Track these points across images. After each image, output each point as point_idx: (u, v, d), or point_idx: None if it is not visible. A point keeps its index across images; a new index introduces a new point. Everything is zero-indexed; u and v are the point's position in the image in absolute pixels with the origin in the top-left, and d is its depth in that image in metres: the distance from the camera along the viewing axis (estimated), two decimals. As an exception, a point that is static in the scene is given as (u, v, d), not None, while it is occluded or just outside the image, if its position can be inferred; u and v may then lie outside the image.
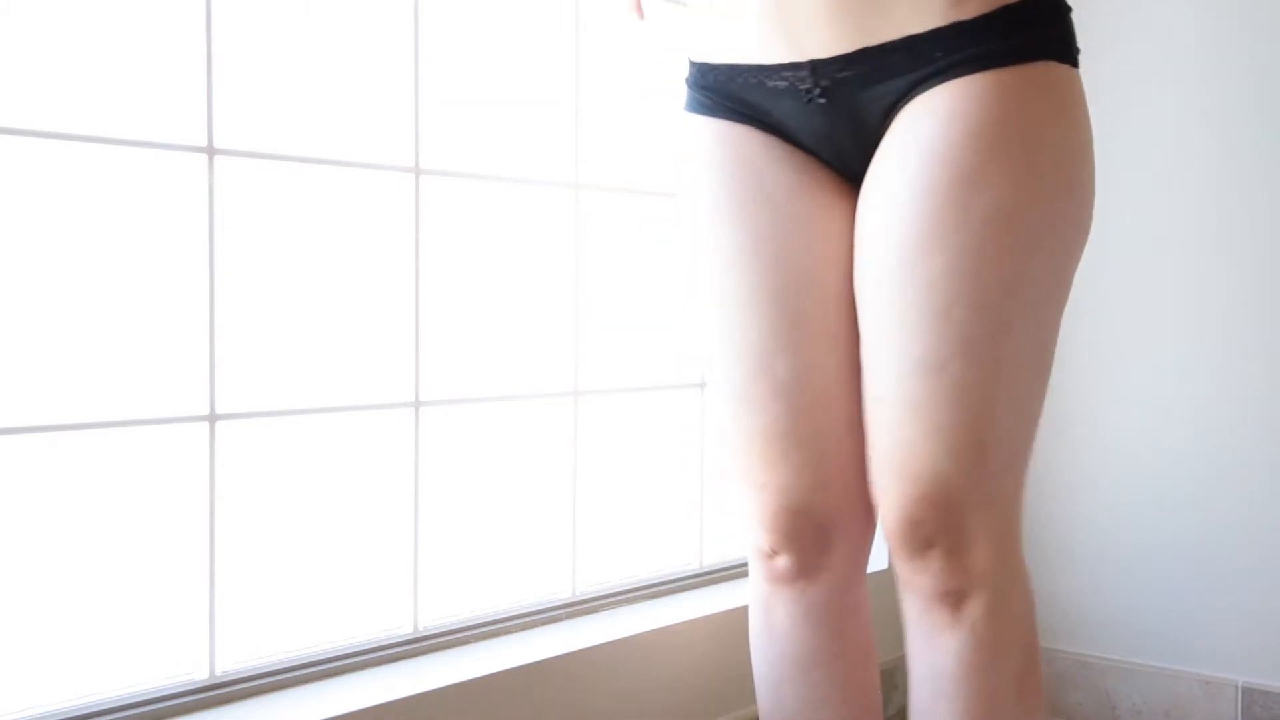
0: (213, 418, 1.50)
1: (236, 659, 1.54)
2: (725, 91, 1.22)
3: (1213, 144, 2.21)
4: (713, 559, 2.21)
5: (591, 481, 1.99)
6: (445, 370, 1.77)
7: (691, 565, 2.17)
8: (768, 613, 1.33)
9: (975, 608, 1.13)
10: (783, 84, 1.17)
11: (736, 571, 2.23)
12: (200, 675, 1.50)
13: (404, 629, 1.72)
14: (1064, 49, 1.13)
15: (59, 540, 1.40)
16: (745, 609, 2.04)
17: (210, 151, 1.49)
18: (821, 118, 1.17)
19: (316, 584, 1.64)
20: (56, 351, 1.38)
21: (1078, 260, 1.16)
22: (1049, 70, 1.11)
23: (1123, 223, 2.31)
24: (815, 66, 1.14)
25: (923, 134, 1.09)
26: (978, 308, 1.07)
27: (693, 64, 1.27)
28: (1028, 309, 1.10)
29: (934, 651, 1.16)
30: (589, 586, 1.98)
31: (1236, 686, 2.19)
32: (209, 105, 1.48)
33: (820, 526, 1.25)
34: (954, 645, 1.14)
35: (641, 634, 1.86)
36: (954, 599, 1.14)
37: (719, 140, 1.24)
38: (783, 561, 1.28)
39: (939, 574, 1.13)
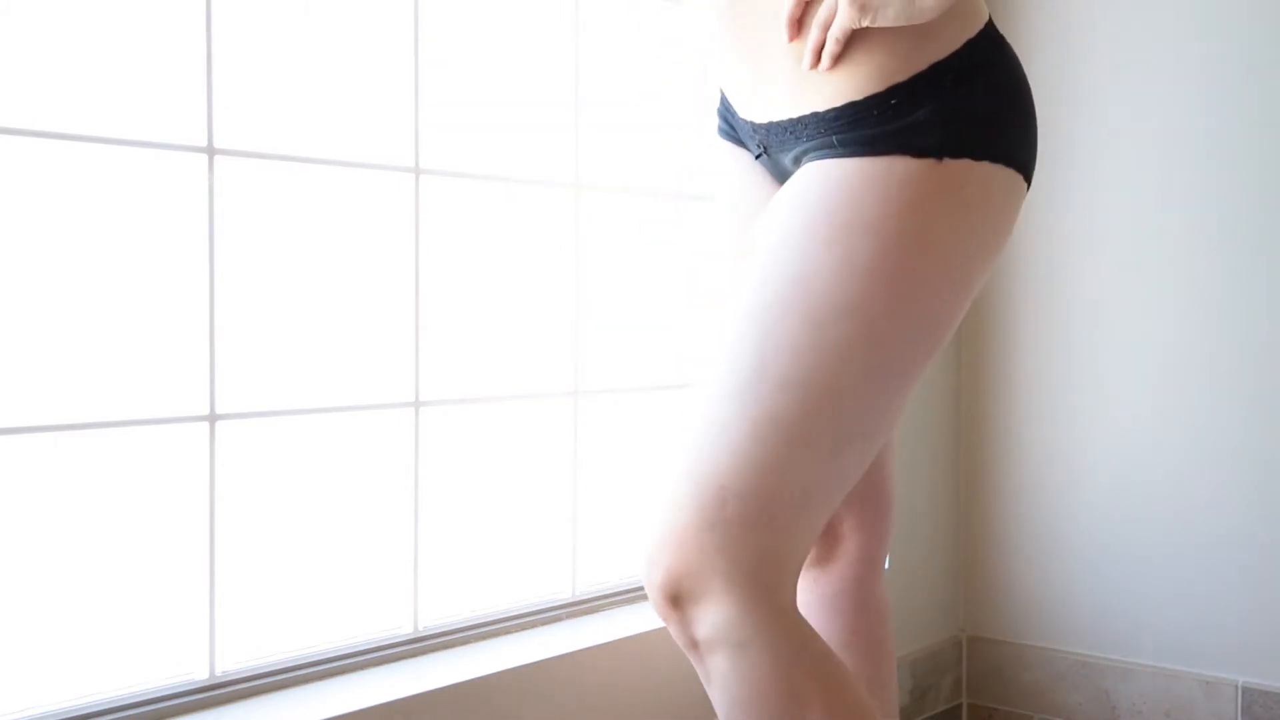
0: (213, 418, 1.50)
1: (236, 659, 1.54)
2: (730, 122, 1.35)
3: (1209, 144, 2.21)
4: (713, 559, 2.20)
5: (592, 481, 1.99)
6: (445, 370, 1.77)
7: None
8: None
9: (720, 662, 1.09)
10: (749, 131, 1.30)
11: (736, 571, 2.22)
12: (200, 675, 1.50)
13: (404, 629, 1.72)
14: (919, 144, 1.13)
15: (59, 540, 1.40)
16: (745, 609, 2.04)
17: (210, 151, 1.49)
18: (768, 167, 1.31)
19: (316, 584, 1.64)
20: (56, 351, 1.38)
21: (909, 352, 1.14)
22: (895, 164, 1.13)
23: (1119, 222, 2.31)
24: (753, 127, 1.28)
25: (777, 197, 1.20)
26: (760, 360, 1.09)
27: (719, 92, 1.39)
28: (821, 381, 1.09)
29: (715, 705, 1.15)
30: (589, 586, 1.98)
31: (1236, 686, 2.19)
32: (209, 105, 1.48)
33: (832, 518, 1.28)
34: (716, 702, 1.12)
35: (641, 634, 1.86)
36: (698, 651, 1.11)
37: (729, 162, 1.38)
38: None
39: (677, 623, 1.11)
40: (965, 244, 1.15)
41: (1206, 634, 2.23)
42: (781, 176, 1.29)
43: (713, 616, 1.07)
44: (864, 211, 1.12)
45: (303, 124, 1.60)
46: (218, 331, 1.50)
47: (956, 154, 1.14)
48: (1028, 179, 1.21)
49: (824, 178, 1.15)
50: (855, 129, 1.14)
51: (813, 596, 1.35)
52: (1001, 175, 1.16)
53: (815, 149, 1.18)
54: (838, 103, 1.15)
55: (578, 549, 1.96)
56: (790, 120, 1.21)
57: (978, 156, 1.15)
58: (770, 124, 1.24)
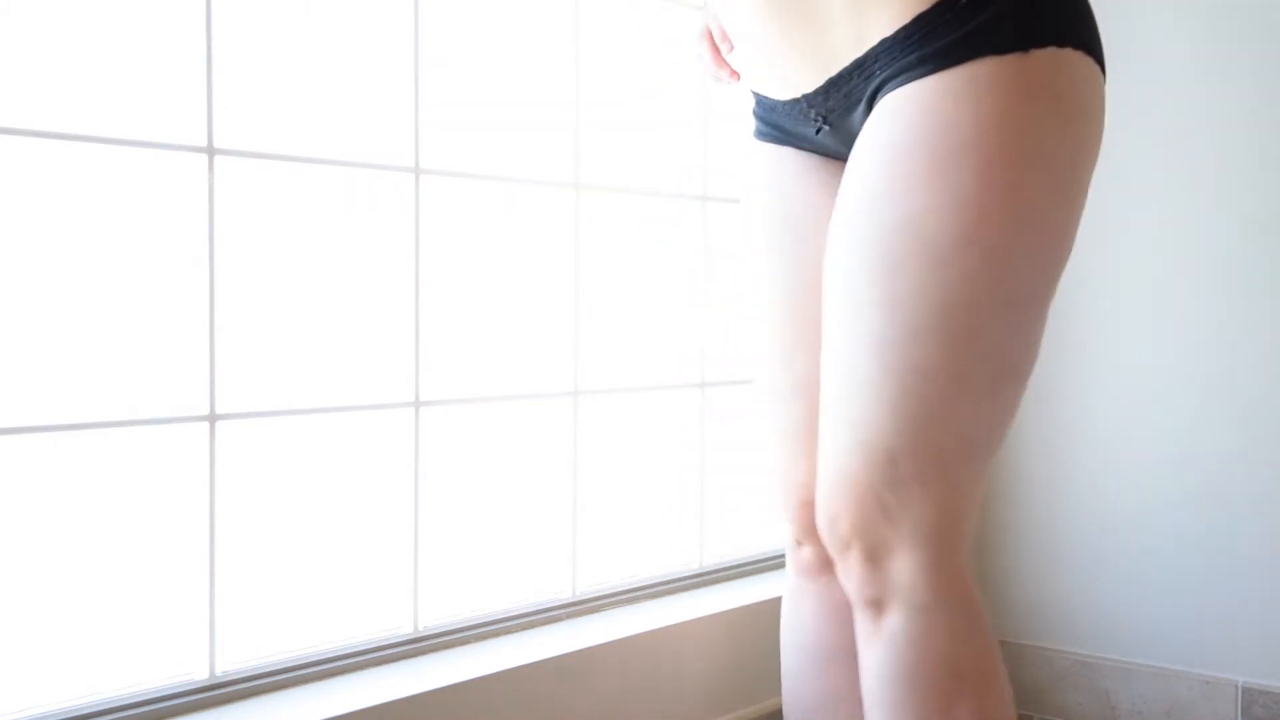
0: (213, 418, 1.50)
1: (236, 659, 1.54)
2: (769, 119, 1.31)
3: (1212, 143, 2.21)
4: (713, 559, 2.21)
5: (591, 481, 1.99)
6: (445, 370, 1.77)
7: (692, 565, 2.17)
8: (795, 604, 1.35)
9: (893, 622, 1.09)
10: (799, 114, 1.25)
11: (736, 571, 2.23)
12: (200, 675, 1.50)
13: (404, 629, 1.72)
14: (1004, 38, 1.06)
15: (59, 540, 1.40)
16: (745, 609, 2.04)
17: (210, 151, 1.49)
18: (833, 139, 1.24)
19: (316, 584, 1.64)
20: (56, 351, 1.38)
21: (1040, 274, 1.10)
22: (982, 68, 1.06)
23: (1123, 222, 2.31)
24: (808, 100, 1.22)
25: (856, 151, 1.14)
26: (891, 312, 1.06)
27: (753, 94, 1.36)
28: (959, 320, 1.05)
29: (863, 664, 1.14)
30: (589, 586, 1.98)
31: (1236, 686, 2.19)
32: (209, 105, 1.48)
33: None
34: (873, 660, 1.12)
35: (641, 634, 1.86)
36: (873, 608, 1.11)
37: (765, 164, 1.34)
38: (807, 552, 1.31)
39: (858, 578, 1.11)
40: (1067, 143, 1.08)
41: (1206, 634, 2.23)
42: (848, 143, 1.22)
43: (896, 576, 1.08)
44: (958, 131, 1.05)
45: (303, 124, 1.60)
46: (218, 331, 1.50)
47: (1041, 42, 1.06)
48: (1103, 70, 1.13)
49: (905, 106, 1.08)
50: (930, 41, 1.07)
51: (825, 604, 1.31)
52: (1083, 63, 1.09)
53: (891, 78, 1.10)
54: (906, 19, 1.08)
55: (578, 549, 1.96)
56: (858, 60, 1.13)
57: (1060, 43, 1.07)
58: (833, 79, 1.16)
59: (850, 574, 1.12)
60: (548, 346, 1.92)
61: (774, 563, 2.29)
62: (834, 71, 1.16)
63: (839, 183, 1.25)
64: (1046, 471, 2.42)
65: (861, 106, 1.16)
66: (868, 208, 1.09)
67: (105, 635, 1.43)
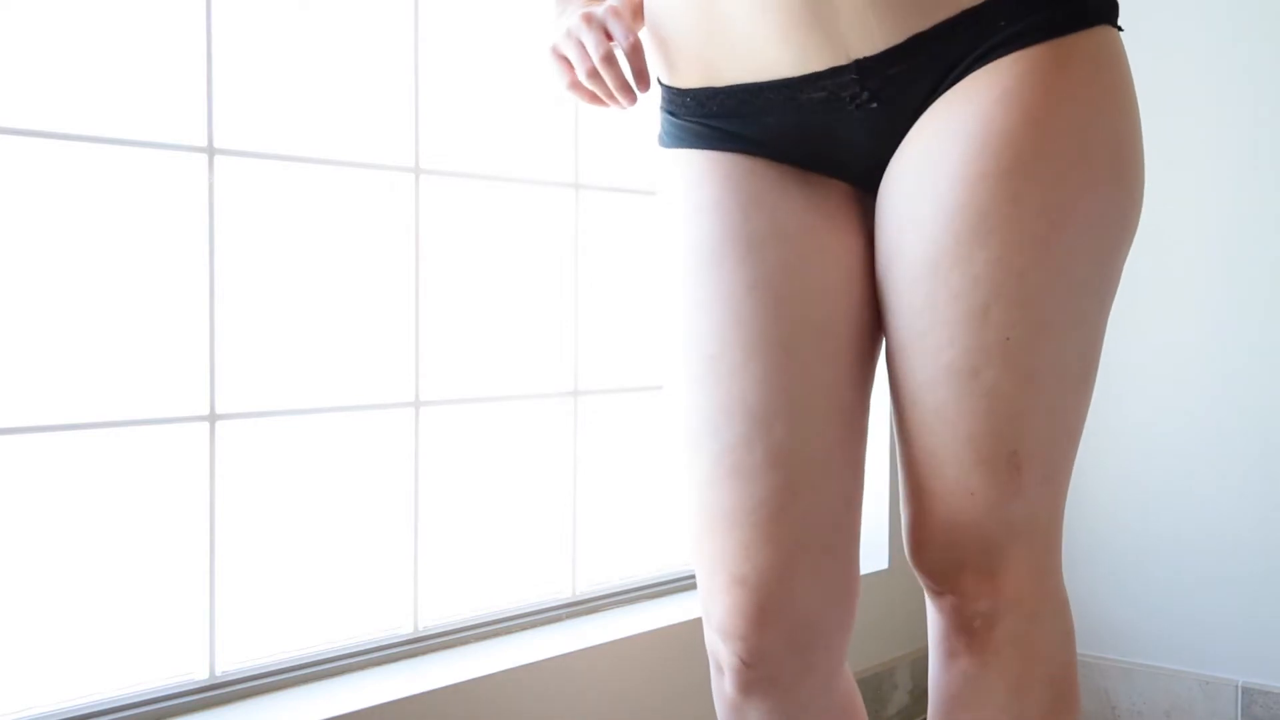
0: (213, 418, 1.50)
1: (236, 659, 1.54)
2: (715, 116, 1.08)
3: (1225, 143, 2.21)
4: (713, 559, 2.20)
5: (591, 481, 1.99)
6: (445, 370, 1.77)
7: (692, 565, 2.17)
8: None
9: (1001, 634, 1.03)
10: (820, 95, 1.03)
11: (736, 571, 2.22)
12: (200, 675, 1.50)
13: (404, 629, 1.72)
14: (1114, 8, 1.02)
15: (59, 540, 1.40)
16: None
17: (210, 151, 1.49)
18: (871, 121, 1.04)
19: (316, 584, 1.64)
20: (56, 351, 1.38)
21: (1125, 253, 1.05)
22: (1103, 37, 1.00)
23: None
24: (862, 66, 1.00)
25: (971, 118, 0.98)
26: (1018, 310, 0.97)
27: (678, 91, 1.10)
28: (1072, 311, 0.99)
29: (953, 674, 1.07)
30: (589, 586, 1.98)
31: (1236, 686, 2.19)
32: (209, 105, 1.48)
33: (807, 624, 1.03)
34: (973, 671, 1.05)
35: (641, 634, 1.86)
36: (981, 621, 1.04)
37: (709, 175, 1.08)
38: (759, 672, 1.04)
39: (967, 594, 1.03)
40: (1137, 123, 1.03)
41: (1206, 634, 2.23)
42: (895, 121, 1.03)
43: (1009, 586, 1.03)
44: (1096, 106, 0.99)
45: (303, 124, 1.60)
46: (218, 331, 1.50)
47: (1114, 19, 1.03)
48: None
49: (1043, 72, 0.97)
50: (1043, 6, 0.98)
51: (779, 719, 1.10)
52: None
53: (1020, 34, 0.97)
54: None
55: (578, 549, 1.96)
56: (973, 8, 0.98)
57: (1114, 20, 1.03)
58: (924, 34, 0.98)
59: (957, 590, 1.04)
60: (548, 346, 1.92)
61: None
62: (929, 23, 0.98)
63: (833, 200, 1.08)
64: (1046, 471, 2.41)
65: (951, 70, 0.99)
66: (1001, 190, 0.96)
67: (105, 635, 1.43)
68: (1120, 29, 1.04)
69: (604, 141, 2.00)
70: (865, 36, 0.99)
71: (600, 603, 1.97)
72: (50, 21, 1.37)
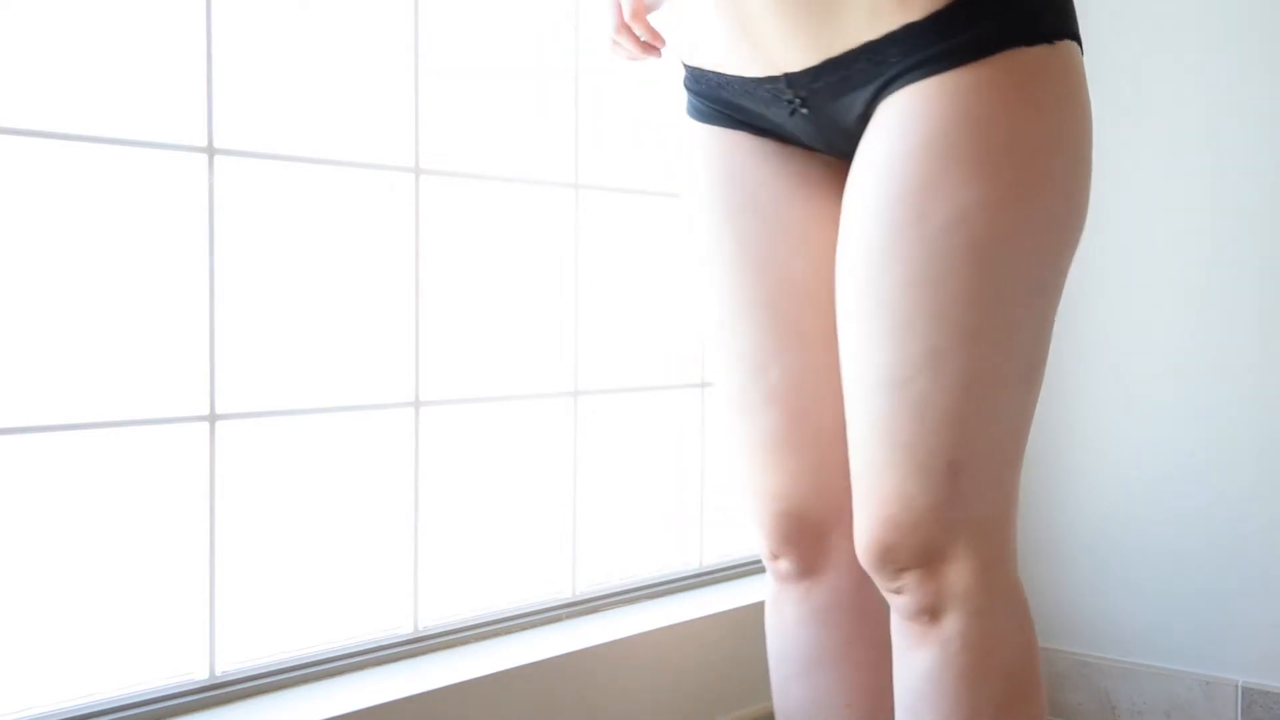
0: (213, 418, 1.50)
1: (236, 659, 1.54)
2: (717, 98, 1.22)
3: (1215, 143, 2.21)
4: (713, 559, 2.21)
5: (591, 481, 1.99)
6: (445, 370, 1.77)
7: (691, 565, 2.17)
8: (777, 610, 1.33)
9: (950, 627, 1.08)
10: (767, 94, 1.16)
11: (736, 571, 2.23)
12: (200, 675, 1.50)
13: (404, 629, 1.72)
14: (1033, 29, 1.05)
15: (59, 540, 1.40)
16: (745, 609, 2.04)
17: (210, 151, 1.49)
18: (809, 125, 1.17)
19: (316, 584, 1.64)
20: (56, 351, 1.38)
21: (1066, 257, 1.09)
22: (1014, 59, 1.04)
23: (1127, 217, 2.31)
24: (790, 79, 1.13)
25: (880, 143, 1.08)
26: (941, 320, 1.03)
27: (686, 67, 1.25)
28: (1000, 317, 1.04)
29: (908, 667, 1.13)
30: (589, 586, 1.98)
31: (1236, 686, 2.19)
32: (209, 105, 1.48)
33: (819, 530, 1.24)
34: (926, 664, 1.10)
35: (641, 634, 1.86)
36: (928, 615, 1.09)
37: (714, 148, 1.24)
38: (785, 564, 1.28)
39: (913, 591, 1.09)
40: (1084, 132, 1.07)
41: (1206, 634, 2.23)
42: (825, 130, 1.16)
43: (953, 583, 1.07)
44: (998, 125, 1.03)
45: (303, 124, 1.60)
46: (218, 331, 1.50)
47: (1061, 34, 1.06)
48: None
49: (938, 100, 1.03)
50: (957, 31, 1.03)
51: (806, 608, 1.29)
52: (1079, 54, 1.09)
53: (912, 69, 1.05)
54: (938, 6, 1.03)
55: (578, 549, 1.96)
56: (871, 43, 1.06)
57: (1073, 35, 1.08)
58: (834, 60, 1.08)
59: (904, 590, 1.09)
60: (547, 346, 1.92)
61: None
62: (836, 51, 1.08)
63: (815, 174, 1.21)
64: (1046, 472, 2.42)
65: (861, 93, 1.09)
66: (906, 210, 1.04)
67: (105, 635, 1.43)
68: (1052, 41, 1.06)
69: (604, 141, 2.00)
70: (789, 54, 1.11)
71: (600, 603, 1.97)
72: (50, 21, 1.37)
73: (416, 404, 1.72)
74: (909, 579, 1.09)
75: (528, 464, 1.90)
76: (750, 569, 2.26)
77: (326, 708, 1.49)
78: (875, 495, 1.09)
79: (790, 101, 1.14)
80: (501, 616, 1.83)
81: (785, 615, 1.32)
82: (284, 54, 1.58)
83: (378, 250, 1.68)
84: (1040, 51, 1.05)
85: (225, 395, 1.51)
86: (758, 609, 2.06)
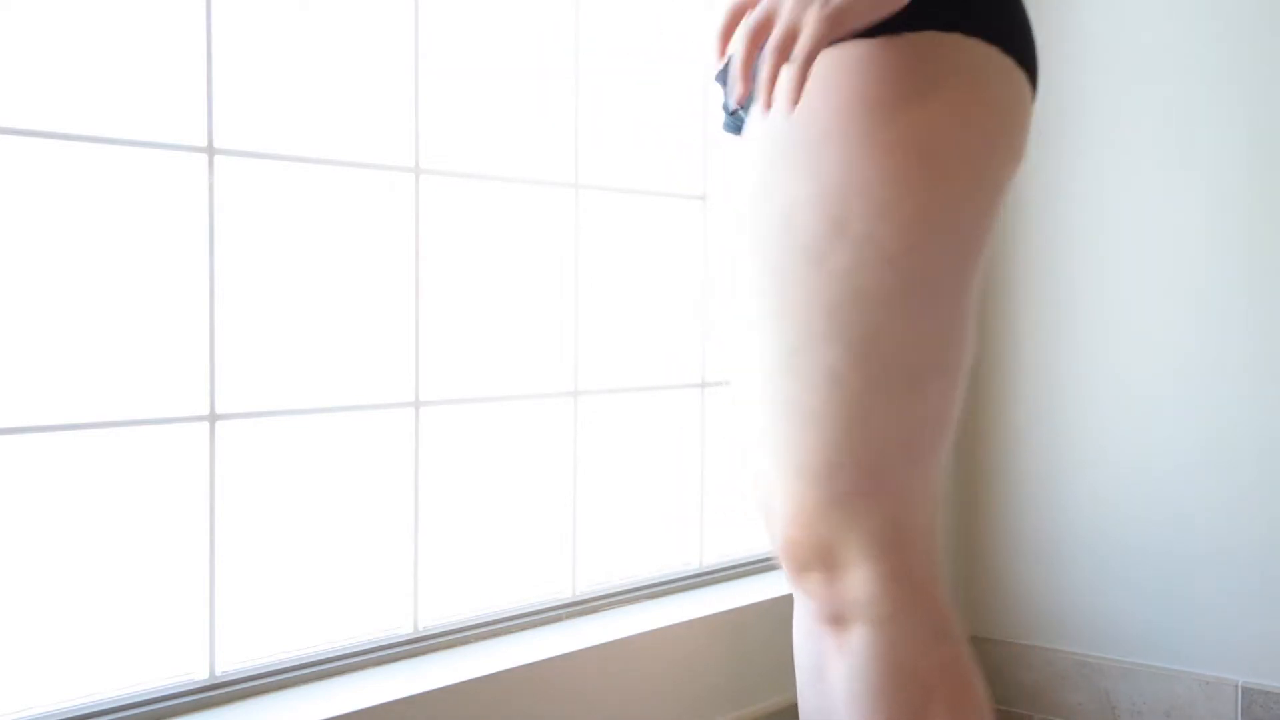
0: (213, 418, 1.50)
1: (236, 659, 1.54)
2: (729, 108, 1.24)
3: (1215, 146, 2.21)
4: (713, 559, 2.21)
5: (591, 481, 1.99)
6: (445, 370, 1.77)
7: (691, 565, 2.17)
8: (796, 616, 1.31)
9: (856, 638, 1.06)
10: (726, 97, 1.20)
11: (736, 571, 2.23)
12: (200, 675, 1.50)
13: (404, 629, 1.72)
14: (883, 24, 1.02)
15: (59, 540, 1.40)
16: (745, 609, 2.04)
17: (210, 151, 1.49)
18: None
19: (316, 584, 1.64)
20: (56, 351, 1.38)
21: (925, 256, 1.02)
22: (844, 52, 1.01)
23: (1123, 220, 2.31)
24: (719, 79, 1.18)
25: (740, 148, 1.11)
26: (787, 321, 1.02)
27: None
28: (848, 319, 1.01)
29: (826, 679, 1.12)
30: (589, 586, 1.98)
31: (1236, 686, 2.19)
32: (209, 105, 1.48)
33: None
34: (838, 675, 1.09)
35: (641, 634, 1.86)
36: (835, 623, 1.08)
37: (730, 157, 1.30)
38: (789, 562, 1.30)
39: (819, 595, 1.07)
40: (946, 131, 1.00)
41: (1206, 634, 2.23)
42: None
43: (855, 591, 1.05)
44: (821, 117, 1.00)
45: (303, 124, 1.60)
46: (218, 331, 1.50)
47: (916, 26, 1.00)
48: (1024, 67, 1.05)
49: (777, 93, 1.01)
50: None
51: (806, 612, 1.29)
52: (979, 50, 1.01)
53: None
54: None
55: (578, 549, 1.96)
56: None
57: (947, 27, 1.00)
58: (728, 62, 1.09)
59: (811, 594, 1.08)
60: (547, 346, 1.92)
61: (774, 563, 2.29)
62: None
63: None
64: (1046, 473, 2.42)
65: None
66: (749, 211, 1.05)
67: (105, 635, 1.43)
68: (914, 31, 1.01)
69: (604, 141, 2.00)
70: (716, 60, 1.09)
71: (600, 603, 1.97)
72: (50, 21, 1.37)
73: (416, 404, 1.72)
74: (814, 582, 1.07)
75: (528, 464, 1.90)
76: (750, 569, 2.26)
77: (326, 708, 1.49)
78: (777, 493, 1.08)
79: (725, 107, 1.19)
80: (501, 616, 1.83)
81: (800, 621, 1.30)
82: (284, 54, 1.58)
83: (378, 250, 1.68)
84: (880, 43, 1.01)
85: (225, 395, 1.51)
86: (758, 609, 2.06)
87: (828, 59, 1.01)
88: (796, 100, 0.94)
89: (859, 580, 1.04)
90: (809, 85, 1.01)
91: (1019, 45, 1.05)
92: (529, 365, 1.89)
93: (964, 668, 1.07)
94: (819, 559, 1.06)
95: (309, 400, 1.61)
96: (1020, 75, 1.05)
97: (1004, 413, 2.48)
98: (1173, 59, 2.25)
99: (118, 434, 1.43)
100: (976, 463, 2.52)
